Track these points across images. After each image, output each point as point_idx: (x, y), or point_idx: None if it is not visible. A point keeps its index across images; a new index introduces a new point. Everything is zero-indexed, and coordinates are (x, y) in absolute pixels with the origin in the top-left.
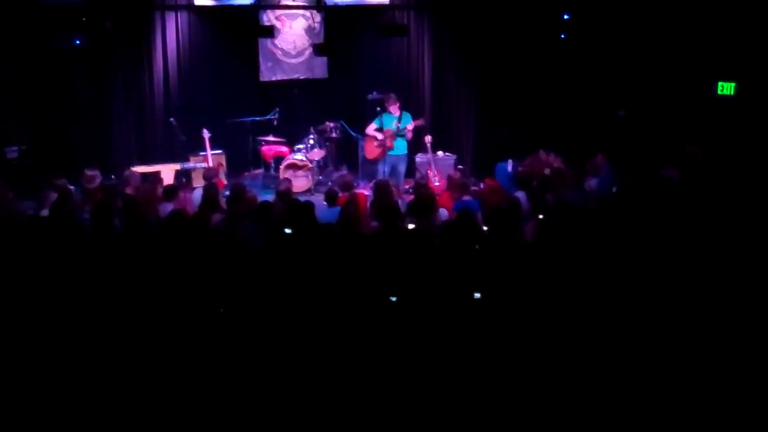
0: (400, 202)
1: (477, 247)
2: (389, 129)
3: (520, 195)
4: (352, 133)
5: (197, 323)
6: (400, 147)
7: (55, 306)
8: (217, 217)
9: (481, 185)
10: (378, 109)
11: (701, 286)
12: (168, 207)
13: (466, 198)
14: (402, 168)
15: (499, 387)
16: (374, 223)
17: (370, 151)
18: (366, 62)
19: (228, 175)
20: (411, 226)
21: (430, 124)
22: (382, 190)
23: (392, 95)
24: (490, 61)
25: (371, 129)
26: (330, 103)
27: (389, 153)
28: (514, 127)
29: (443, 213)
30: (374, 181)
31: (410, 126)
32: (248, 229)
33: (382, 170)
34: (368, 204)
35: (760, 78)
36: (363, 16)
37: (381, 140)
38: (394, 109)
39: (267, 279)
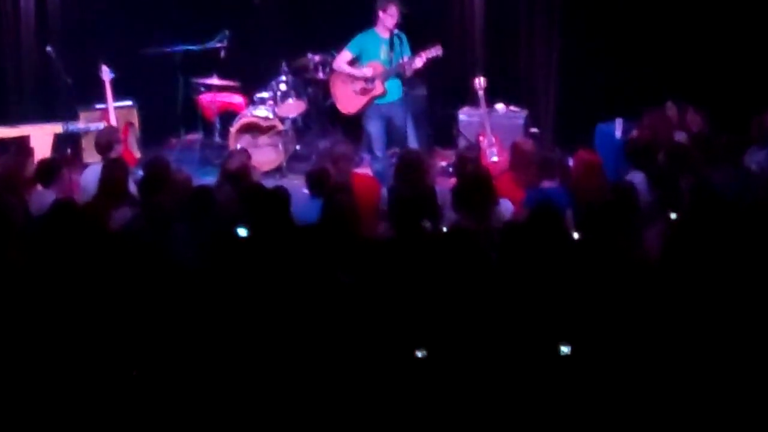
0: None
1: (563, 265)
2: (375, 62)
3: (637, 178)
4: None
5: (91, 394)
6: (393, 89)
7: None
8: (123, 212)
9: (571, 161)
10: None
11: None
12: (44, 195)
13: (546, 184)
14: (402, 121)
15: None
16: (383, 225)
17: (346, 101)
18: None
19: (142, 143)
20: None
21: (483, 60)
22: (410, 168)
23: (393, 1)
24: None
25: (343, 60)
26: (314, 21)
27: (377, 101)
28: (624, 64)
29: (506, 207)
30: (400, 150)
31: (413, 62)
32: (176, 233)
33: (375, 131)
34: (379, 192)
35: None
36: None
37: (366, 83)
38: (389, 22)
39: (208, 316)
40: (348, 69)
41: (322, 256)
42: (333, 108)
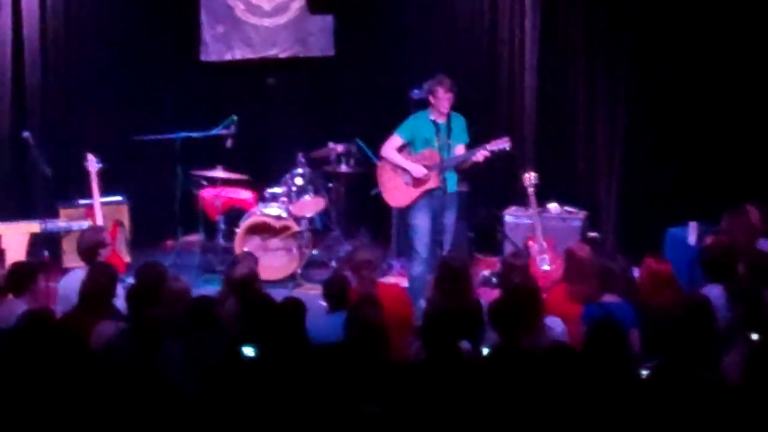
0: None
1: (626, 396)
2: (432, 149)
3: (714, 291)
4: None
5: None
6: (449, 180)
7: None
8: (107, 327)
9: (637, 272)
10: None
11: None
12: (15, 306)
13: (607, 298)
14: (451, 218)
15: None
16: (415, 345)
17: (396, 192)
18: (409, 30)
19: (133, 246)
20: (486, 351)
21: (533, 151)
22: (451, 279)
23: (440, 77)
24: (654, 42)
25: (392, 146)
26: (337, 105)
27: (431, 190)
28: (699, 159)
29: (556, 325)
30: (441, 257)
31: (476, 156)
32: (170, 352)
33: (421, 225)
34: (407, 307)
35: None
36: None
37: (415, 175)
38: (442, 102)
39: None
40: (398, 159)
41: (342, 382)
42: (357, 207)
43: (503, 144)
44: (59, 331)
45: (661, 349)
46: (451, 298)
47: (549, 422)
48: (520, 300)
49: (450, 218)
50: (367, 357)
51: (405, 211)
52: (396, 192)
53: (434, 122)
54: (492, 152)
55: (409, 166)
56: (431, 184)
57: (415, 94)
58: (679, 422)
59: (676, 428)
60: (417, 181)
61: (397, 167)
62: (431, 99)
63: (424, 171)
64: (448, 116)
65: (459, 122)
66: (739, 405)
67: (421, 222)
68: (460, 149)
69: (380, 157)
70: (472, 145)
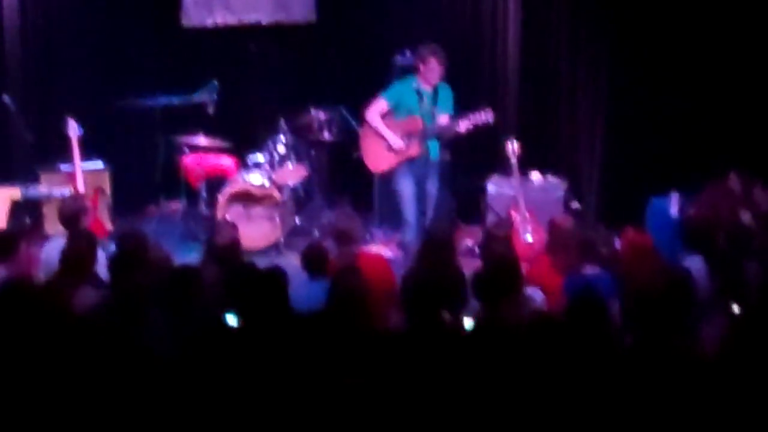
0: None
1: (606, 367)
2: (415, 116)
3: (695, 263)
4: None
5: None
6: (433, 149)
7: None
8: (89, 293)
9: (618, 242)
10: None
11: None
12: None
13: (589, 269)
14: (433, 186)
15: None
16: (396, 314)
17: (376, 157)
18: None
19: (114, 213)
20: (468, 322)
21: (516, 120)
22: (438, 247)
23: (434, 47)
24: (638, 11)
25: (377, 110)
26: (319, 72)
27: (413, 158)
28: (682, 128)
29: (536, 296)
30: (427, 227)
31: (458, 126)
32: (152, 320)
33: (406, 190)
34: (389, 276)
35: None
36: None
37: (398, 140)
38: (432, 72)
39: (185, 418)
40: (381, 126)
41: (324, 351)
42: (340, 175)
43: (486, 117)
44: (39, 298)
45: (640, 320)
46: (434, 267)
47: (530, 392)
48: (501, 270)
49: (432, 186)
50: (348, 326)
51: (389, 178)
52: (377, 157)
53: (419, 90)
54: (474, 125)
55: (389, 136)
56: (412, 151)
57: (399, 60)
58: (658, 393)
59: (655, 399)
60: (399, 149)
61: (376, 132)
62: (421, 67)
63: (401, 144)
64: (435, 85)
65: (446, 93)
66: (718, 376)
67: (406, 188)
68: (443, 119)
69: (363, 120)
70: (456, 116)
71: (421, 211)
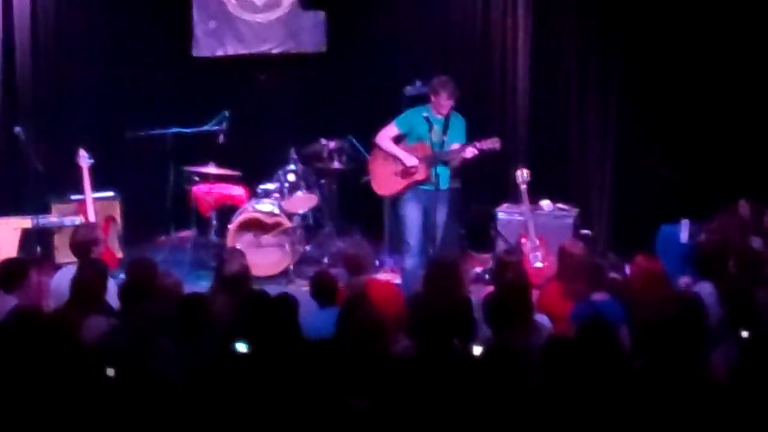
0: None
1: (615, 394)
2: (424, 142)
3: (705, 289)
4: None
5: None
6: (441, 176)
7: None
8: (99, 322)
9: (627, 269)
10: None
11: None
12: (6, 301)
13: (598, 296)
14: (441, 216)
15: None
16: (405, 341)
17: (383, 181)
18: (402, 27)
19: (125, 242)
20: (478, 350)
21: (526, 148)
22: (441, 275)
23: (445, 80)
24: (647, 40)
25: (388, 135)
26: (329, 101)
27: (420, 186)
28: (692, 156)
29: (543, 323)
30: (432, 256)
31: (465, 152)
32: (162, 348)
33: (411, 215)
34: (399, 304)
35: None
36: None
37: (406, 164)
38: (442, 105)
39: None
40: (392, 148)
41: (334, 377)
42: (350, 203)
43: (493, 144)
44: (48, 327)
45: (651, 346)
46: (441, 294)
47: (541, 417)
48: (511, 298)
49: (441, 215)
50: (358, 352)
51: (395, 203)
52: (383, 181)
53: (430, 118)
54: (481, 150)
55: (402, 155)
56: (419, 176)
57: (409, 90)
58: (669, 418)
59: (666, 424)
60: (405, 172)
61: (388, 156)
62: (432, 98)
63: (416, 161)
64: (448, 114)
65: (458, 122)
66: (728, 402)
67: (410, 213)
68: (454, 147)
69: (374, 144)
70: (466, 144)
71: (429, 240)
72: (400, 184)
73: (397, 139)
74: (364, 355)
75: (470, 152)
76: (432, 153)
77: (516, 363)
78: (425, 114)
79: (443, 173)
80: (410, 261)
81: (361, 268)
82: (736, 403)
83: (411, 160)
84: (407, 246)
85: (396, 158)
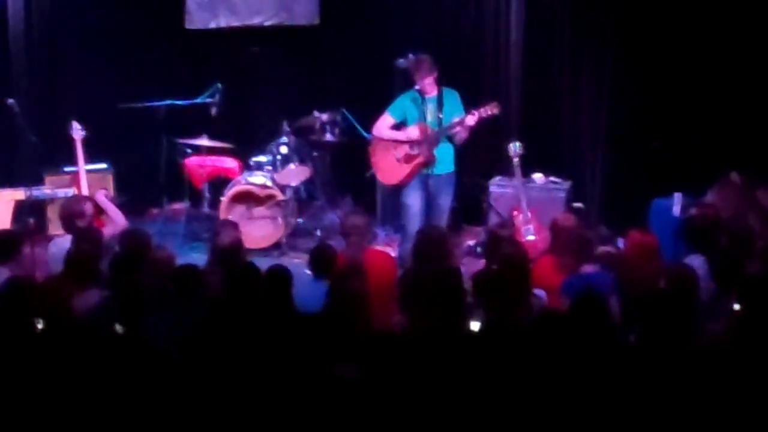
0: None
1: (609, 367)
2: (422, 124)
3: (697, 262)
4: (365, 133)
5: None
6: (446, 158)
7: None
8: (92, 294)
9: (620, 242)
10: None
11: None
12: (0, 272)
13: (589, 269)
14: (447, 200)
15: None
16: (398, 317)
17: (388, 170)
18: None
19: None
20: (475, 326)
21: (518, 121)
22: (430, 247)
23: (425, 59)
24: (641, 11)
25: (384, 125)
26: (322, 74)
27: (426, 170)
28: (685, 129)
29: (540, 296)
30: (419, 229)
31: (465, 119)
32: (155, 321)
33: (414, 205)
34: (394, 275)
35: None
36: None
37: (411, 149)
38: (428, 85)
39: (189, 416)
40: (392, 134)
41: (324, 350)
42: (342, 176)
43: (492, 110)
44: (41, 298)
45: (644, 319)
46: (429, 267)
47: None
48: (506, 270)
49: (446, 200)
50: (347, 326)
51: (398, 189)
52: (388, 170)
53: (421, 99)
54: (482, 118)
55: (403, 135)
56: (422, 157)
57: (401, 62)
58: (661, 389)
59: (657, 395)
60: (408, 156)
61: (388, 144)
62: (415, 77)
63: (418, 132)
64: (440, 91)
65: (452, 97)
66: (719, 375)
67: (413, 202)
68: (454, 120)
69: (371, 137)
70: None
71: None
72: (405, 170)
73: (395, 128)
74: (349, 327)
75: (471, 119)
76: (432, 132)
77: (515, 337)
78: (415, 95)
79: (446, 155)
80: (407, 245)
81: (360, 235)
82: (727, 376)
83: (414, 133)
84: (405, 233)
85: (396, 144)
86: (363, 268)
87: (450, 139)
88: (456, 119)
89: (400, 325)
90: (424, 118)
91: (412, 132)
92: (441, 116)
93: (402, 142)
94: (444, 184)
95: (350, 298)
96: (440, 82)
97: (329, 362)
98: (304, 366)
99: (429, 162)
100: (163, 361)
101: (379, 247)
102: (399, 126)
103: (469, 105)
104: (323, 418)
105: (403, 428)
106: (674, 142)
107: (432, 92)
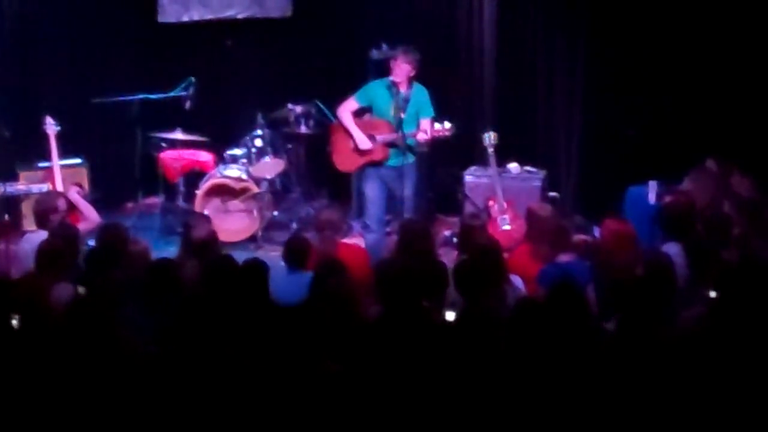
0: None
1: (586, 355)
2: (383, 120)
3: (674, 250)
4: None
5: None
6: (399, 153)
7: None
8: (65, 289)
9: (596, 231)
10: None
11: None
12: None
13: (565, 257)
14: (408, 191)
15: None
16: (374, 307)
17: (343, 156)
18: None
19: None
20: (450, 316)
21: (493, 111)
22: (416, 239)
23: (402, 50)
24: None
25: (347, 108)
26: (295, 66)
27: (383, 163)
28: (660, 117)
29: (517, 284)
30: (401, 221)
31: (417, 134)
32: (131, 315)
33: (371, 194)
34: (367, 268)
35: None
36: None
37: (366, 141)
38: (399, 68)
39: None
40: (349, 124)
41: (306, 342)
42: (317, 168)
43: (444, 131)
44: (14, 293)
45: (621, 307)
46: (414, 258)
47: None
48: (481, 260)
49: (408, 189)
50: (332, 316)
51: (358, 178)
52: (343, 156)
53: (392, 92)
54: (434, 137)
55: (356, 135)
56: (375, 155)
57: (375, 54)
58: (637, 377)
59: (634, 382)
60: (362, 150)
61: (345, 132)
62: (391, 63)
63: (369, 145)
64: (410, 87)
65: (421, 95)
66: (695, 362)
67: (371, 192)
68: (425, 123)
69: (335, 116)
70: (437, 114)
71: (396, 215)
72: (357, 161)
73: (360, 113)
74: (339, 320)
75: (422, 137)
76: (393, 134)
77: (491, 325)
78: (387, 86)
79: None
80: (369, 236)
81: (333, 230)
82: (703, 363)
83: (364, 143)
84: (365, 224)
85: (351, 135)
86: (341, 262)
87: (411, 148)
88: (428, 125)
89: (377, 315)
90: (389, 115)
91: (363, 143)
92: (403, 116)
93: (353, 136)
94: (401, 175)
95: (339, 293)
96: (412, 78)
97: (310, 354)
98: (282, 358)
99: (382, 161)
100: (141, 355)
101: (353, 240)
102: (363, 111)
103: (443, 100)
104: (303, 409)
105: (381, 418)
106: (649, 130)
107: (403, 88)
